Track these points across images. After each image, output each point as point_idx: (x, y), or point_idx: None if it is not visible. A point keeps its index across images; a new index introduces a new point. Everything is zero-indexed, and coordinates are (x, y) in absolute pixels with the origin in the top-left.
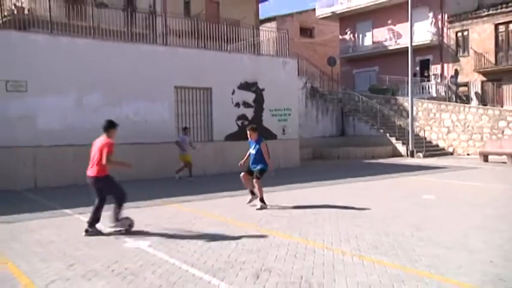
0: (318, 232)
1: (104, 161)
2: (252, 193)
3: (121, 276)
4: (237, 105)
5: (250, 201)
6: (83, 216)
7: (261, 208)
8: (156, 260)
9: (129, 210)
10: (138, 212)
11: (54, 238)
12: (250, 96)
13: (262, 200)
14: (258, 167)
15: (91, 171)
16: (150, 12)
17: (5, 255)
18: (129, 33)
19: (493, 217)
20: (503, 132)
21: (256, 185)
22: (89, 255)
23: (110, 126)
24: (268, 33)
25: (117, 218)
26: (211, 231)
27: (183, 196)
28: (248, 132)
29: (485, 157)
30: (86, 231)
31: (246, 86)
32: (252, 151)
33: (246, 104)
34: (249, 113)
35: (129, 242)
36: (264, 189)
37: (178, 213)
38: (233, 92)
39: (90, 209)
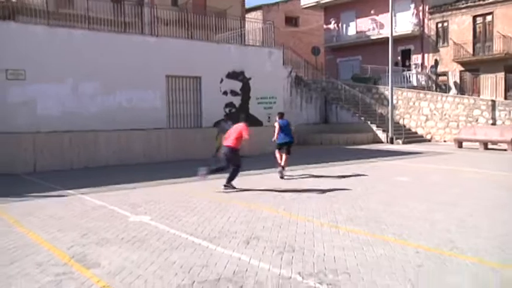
0: (300, 208)
1: (246, 137)
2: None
3: (130, 242)
4: (225, 93)
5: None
6: (85, 196)
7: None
8: (159, 230)
9: (125, 192)
10: (134, 192)
11: (64, 214)
12: (237, 85)
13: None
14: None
15: (230, 142)
16: (138, 1)
17: (25, 227)
18: (117, 22)
19: (458, 195)
20: (477, 120)
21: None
22: (98, 227)
23: (246, 117)
24: (254, 24)
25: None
26: (205, 207)
27: (176, 178)
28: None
29: (459, 143)
30: (225, 186)
31: (233, 75)
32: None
33: (234, 93)
34: (236, 101)
35: (133, 216)
36: (255, 171)
37: (175, 192)
38: (221, 81)
39: (91, 189)
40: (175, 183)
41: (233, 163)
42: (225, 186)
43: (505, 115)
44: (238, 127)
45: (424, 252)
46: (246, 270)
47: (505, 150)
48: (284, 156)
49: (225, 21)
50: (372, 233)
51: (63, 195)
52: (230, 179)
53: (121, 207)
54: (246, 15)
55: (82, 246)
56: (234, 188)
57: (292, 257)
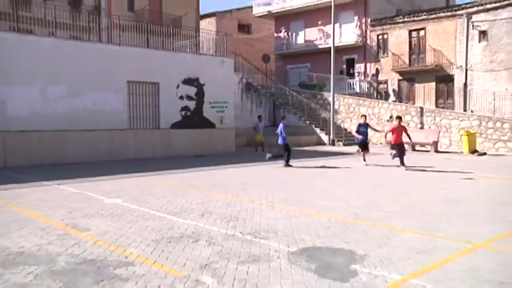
0: (245, 194)
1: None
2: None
3: (109, 216)
4: (181, 98)
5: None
6: (61, 185)
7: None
8: (131, 208)
9: (96, 183)
10: (104, 183)
11: (48, 198)
12: (192, 90)
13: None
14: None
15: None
16: (95, 6)
17: (18, 207)
18: (75, 27)
19: (374, 185)
20: (408, 124)
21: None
22: (80, 206)
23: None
24: (208, 34)
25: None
26: (167, 193)
27: (139, 172)
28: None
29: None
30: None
31: (188, 81)
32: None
33: (189, 97)
34: (191, 105)
35: (107, 200)
36: (208, 167)
37: (139, 183)
38: (177, 86)
39: (65, 181)
40: (139, 176)
41: (286, 150)
42: (286, 165)
43: (431, 120)
44: (279, 125)
45: (334, 220)
46: (201, 231)
47: (428, 151)
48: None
49: (179, 30)
50: (300, 209)
51: (42, 185)
52: (287, 160)
53: (95, 193)
54: (201, 22)
55: (72, 219)
56: (291, 166)
57: (236, 224)
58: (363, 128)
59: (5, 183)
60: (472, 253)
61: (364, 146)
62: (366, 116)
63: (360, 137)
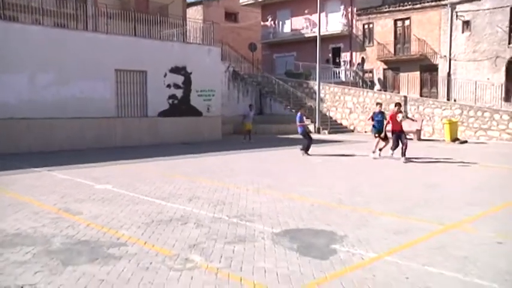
0: (231, 180)
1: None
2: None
3: (100, 201)
4: (168, 86)
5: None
6: (52, 172)
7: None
8: (121, 193)
9: (86, 169)
10: (93, 169)
11: (40, 184)
12: (179, 79)
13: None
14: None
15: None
16: None
17: (11, 192)
18: (61, 14)
19: (357, 173)
20: None
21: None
22: (71, 192)
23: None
24: (195, 23)
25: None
26: (155, 180)
27: (127, 160)
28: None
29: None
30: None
31: (176, 70)
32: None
33: (176, 86)
34: (179, 93)
35: (97, 185)
36: (195, 155)
37: (128, 170)
38: (165, 75)
39: (55, 167)
40: (128, 163)
41: (307, 139)
42: (306, 154)
43: (415, 109)
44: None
45: (317, 205)
46: (190, 214)
47: (412, 139)
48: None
49: (166, 18)
50: (284, 194)
51: (33, 172)
52: (307, 149)
53: (86, 179)
54: (188, 10)
55: (64, 203)
56: (309, 154)
57: (223, 208)
58: (379, 116)
59: None
60: (443, 233)
61: (381, 134)
62: (381, 104)
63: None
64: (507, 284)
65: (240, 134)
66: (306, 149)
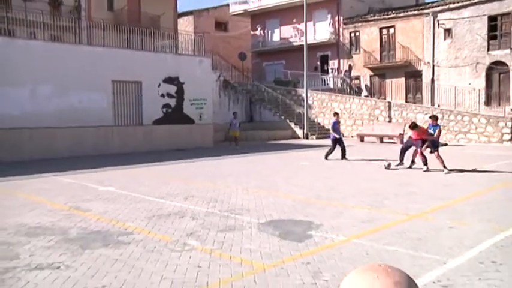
0: (223, 181)
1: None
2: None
3: (105, 200)
4: (162, 96)
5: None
6: (57, 176)
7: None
8: (123, 194)
9: (88, 174)
10: (95, 174)
11: (48, 187)
12: (173, 89)
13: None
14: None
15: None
16: (75, 6)
17: (23, 194)
18: (55, 26)
19: (338, 174)
20: (377, 118)
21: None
22: (79, 193)
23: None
24: (187, 36)
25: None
26: (152, 182)
27: (126, 165)
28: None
29: (361, 138)
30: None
31: (169, 80)
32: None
33: (170, 95)
34: (172, 102)
35: (101, 187)
36: (188, 160)
37: (127, 174)
38: (159, 85)
39: (60, 173)
40: (126, 168)
41: (333, 145)
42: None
43: (398, 114)
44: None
45: (298, 201)
46: (186, 210)
47: (395, 143)
48: None
49: (159, 30)
50: (269, 193)
51: (40, 177)
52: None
53: (89, 183)
54: (179, 20)
55: (74, 203)
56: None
57: (215, 204)
58: (433, 128)
59: (4, 175)
60: (406, 222)
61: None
62: (437, 117)
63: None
64: (447, 255)
65: (231, 141)
66: (328, 154)
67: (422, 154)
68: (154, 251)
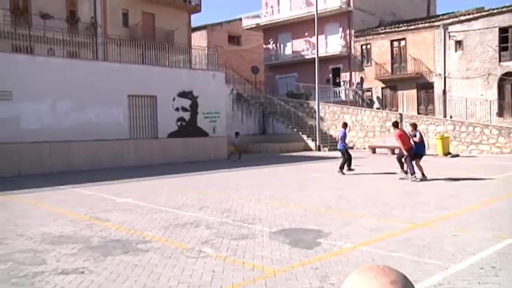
0: (236, 192)
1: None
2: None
3: (124, 211)
4: (177, 109)
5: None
6: (76, 189)
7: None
8: (140, 205)
9: (106, 186)
10: (112, 186)
11: (68, 198)
12: (187, 102)
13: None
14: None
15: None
16: (91, 23)
17: (45, 205)
18: (72, 43)
19: (348, 184)
20: (389, 130)
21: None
22: (98, 205)
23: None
24: (201, 50)
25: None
26: (168, 193)
27: (142, 177)
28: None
29: (373, 149)
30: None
31: (183, 94)
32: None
33: (184, 109)
34: (186, 116)
35: (119, 199)
36: (203, 172)
37: (143, 186)
38: (174, 99)
39: (78, 185)
40: (142, 180)
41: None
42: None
43: None
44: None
45: (309, 210)
46: (201, 220)
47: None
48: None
49: (173, 46)
50: (282, 203)
51: (59, 189)
52: (348, 165)
53: (107, 194)
54: (192, 34)
55: (93, 213)
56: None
57: (229, 214)
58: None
59: (26, 187)
60: (411, 230)
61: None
62: (415, 124)
63: None
64: (450, 261)
65: (245, 153)
66: (343, 167)
67: (404, 162)
68: (172, 258)
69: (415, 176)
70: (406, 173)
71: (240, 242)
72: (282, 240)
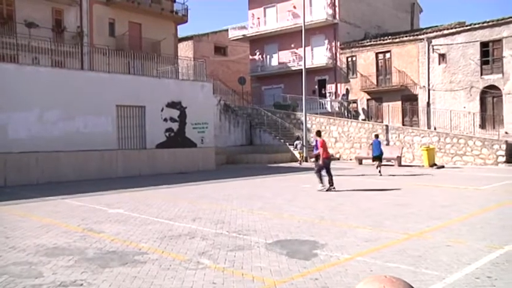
0: (228, 203)
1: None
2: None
3: (117, 222)
4: (165, 120)
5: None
6: (66, 200)
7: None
8: (132, 216)
9: (96, 197)
10: (102, 197)
11: (59, 209)
12: (175, 113)
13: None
14: None
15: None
16: (78, 32)
17: (36, 217)
18: (58, 52)
19: (338, 195)
20: None
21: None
22: (89, 216)
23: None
24: (187, 61)
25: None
26: (160, 204)
27: (131, 188)
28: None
29: (359, 161)
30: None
31: (172, 105)
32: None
33: (172, 119)
34: (175, 126)
35: (110, 210)
36: (193, 183)
37: (134, 197)
38: (162, 110)
39: (67, 196)
40: (132, 191)
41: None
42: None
43: (396, 137)
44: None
45: (303, 221)
46: (195, 231)
47: (393, 165)
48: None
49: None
50: (273, 214)
51: (49, 200)
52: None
53: (98, 205)
54: (179, 44)
55: (86, 225)
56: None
57: (223, 225)
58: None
59: (14, 199)
60: (406, 240)
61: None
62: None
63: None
64: (446, 271)
65: (237, 164)
66: (332, 182)
67: (318, 171)
68: (170, 269)
69: (323, 185)
70: (328, 184)
71: (237, 253)
72: (279, 251)
